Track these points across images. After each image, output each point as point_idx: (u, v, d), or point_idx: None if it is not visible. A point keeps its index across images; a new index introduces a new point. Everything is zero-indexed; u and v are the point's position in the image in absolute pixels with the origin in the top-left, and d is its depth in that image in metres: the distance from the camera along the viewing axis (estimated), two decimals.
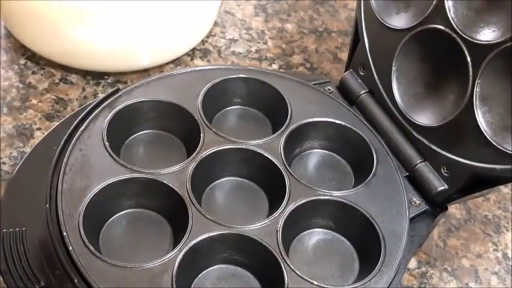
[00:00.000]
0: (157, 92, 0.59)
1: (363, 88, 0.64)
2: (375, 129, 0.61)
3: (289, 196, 0.53)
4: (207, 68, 0.64)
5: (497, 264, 0.62)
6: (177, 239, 0.51)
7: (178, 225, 0.51)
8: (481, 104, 0.52)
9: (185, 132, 0.59)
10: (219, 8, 0.78)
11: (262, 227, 0.51)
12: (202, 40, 0.76)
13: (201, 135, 0.56)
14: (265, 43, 0.79)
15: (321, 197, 0.54)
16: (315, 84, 0.65)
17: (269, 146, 0.57)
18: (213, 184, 0.57)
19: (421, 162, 0.58)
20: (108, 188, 0.51)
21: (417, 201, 0.56)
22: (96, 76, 0.70)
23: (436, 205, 0.57)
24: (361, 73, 0.64)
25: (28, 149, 0.60)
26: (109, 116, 0.56)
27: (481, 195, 0.66)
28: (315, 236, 0.55)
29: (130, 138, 0.59)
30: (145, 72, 0.71)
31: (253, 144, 0.57)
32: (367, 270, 0.50)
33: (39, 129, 0.64)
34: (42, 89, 0.68)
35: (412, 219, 0.55)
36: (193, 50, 0.75)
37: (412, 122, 0.58)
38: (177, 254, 0.48)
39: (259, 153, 0.56)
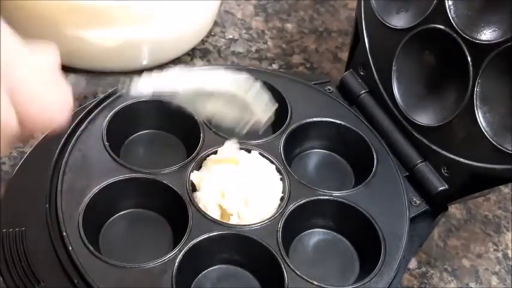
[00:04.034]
0: None
1: (363, 88, 0.64)
2: (375, 129, 0.61)
3: (289, 196, 0.53)
4: (207, 67, 0.64)
5: (497, 264, 0.62)
6: (177, 239, 0.50)
7: (178, 225, 0.51)
8: (481, 104, 0.52)
9: (185, 132, 0.59)
10: (219, 7, 0.78)
11: (262, 227, 0.51)
12: (202, 40, 0.76)
13: (201, 135, 0.56)
14: (265, 43, 0.79)
15: (321, 197, 0.54)
16: (315, 84, 0.65)
17: (269, 146, 0.57)
18: None
19: (421, 162, 0.58)
20: (108, 188, 0.51)
21: (417, 201, 0.56)
22: (96, 76, 0.70)
23: (436, 205, 0.57)
24: (361, 73, 0.64)
25: (28, 149, 0.60)
26: (109, 116, 0.56)
27: (481, 195, 0.66)
28: (315, 236, 0.55)
29: (130, 138, 0.59)
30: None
31: (253, 144, 0.57)
32: (367, 270, 0.50)
33: None
34: None
35: (412, 219, 0.55)
36: (193, 49, 0.75)
37: (412, 121, 0.58)
38: (177, 254, 0.48)
39: (259, 152, 0.56)
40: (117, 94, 0.58)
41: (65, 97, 0.36)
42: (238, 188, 0.52)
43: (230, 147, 0.55)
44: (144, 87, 0.43)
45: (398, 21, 0.60)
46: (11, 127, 0.33)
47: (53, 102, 0.35)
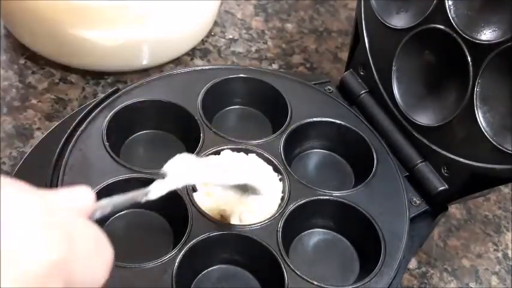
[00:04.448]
0: (157, 92, 0.59)
1: (363, 88, 0.64)
2: (375, 129, 0.61)
3: (289, 196, 0.53)
4: (207, 67, 0.64)
5: (497, 264, 0.62)
6: (177, 239, 0.50)
7: (178, 225, 0.51)
8: (481, 104, 0.52)
9: (185, 132, 0.59)
10: (219, 7, 0.78)
11: (262, 227, 0.51)
12: (202, 40, 0.76)
13: (201, 135, 0.56)
14: (265, 43, 0.79)
15: (321, 197, 0.54)
16: (315, 84, 0.65)
17: (269, 146, 0.57)
18: None
19: (421, 162, 0.58)
20: (108, 188, 0.51)
21: (417, 201, 0.56)
22: (96, 76, 0.70)
23: (436, 205, 0.57)
24: (362, 73, 0.64)
25: (28, 149, 0.60)
26: (109, 115, 0.56)
27: (481, 195, 0.66)
28: (315, 236, 0.55)
29: (130, 138, 0.59)
30: (145, 72, 0.71)
31: (253, 144, 0.57)
32: (367, 270, 0.50)
33: (39, 129, 0.64)
34: (41, 89, 0.67)
35: (412, 219, 0.55)
36: (193, 49, 0.75)
37: (412, 121, 0.58)
38: (177, 254, 0.48)
39: (259, 153, 0.56)
40: (117, 94, 0.58)
41: (108, 258, 0.35)
42: (238, 202, 0.52)
43: (227, 156, 0.55)
44: (160, 189, 0.43)
45: (398, 21, 0.60)
46: None
47: (100, 270, 0.34)
